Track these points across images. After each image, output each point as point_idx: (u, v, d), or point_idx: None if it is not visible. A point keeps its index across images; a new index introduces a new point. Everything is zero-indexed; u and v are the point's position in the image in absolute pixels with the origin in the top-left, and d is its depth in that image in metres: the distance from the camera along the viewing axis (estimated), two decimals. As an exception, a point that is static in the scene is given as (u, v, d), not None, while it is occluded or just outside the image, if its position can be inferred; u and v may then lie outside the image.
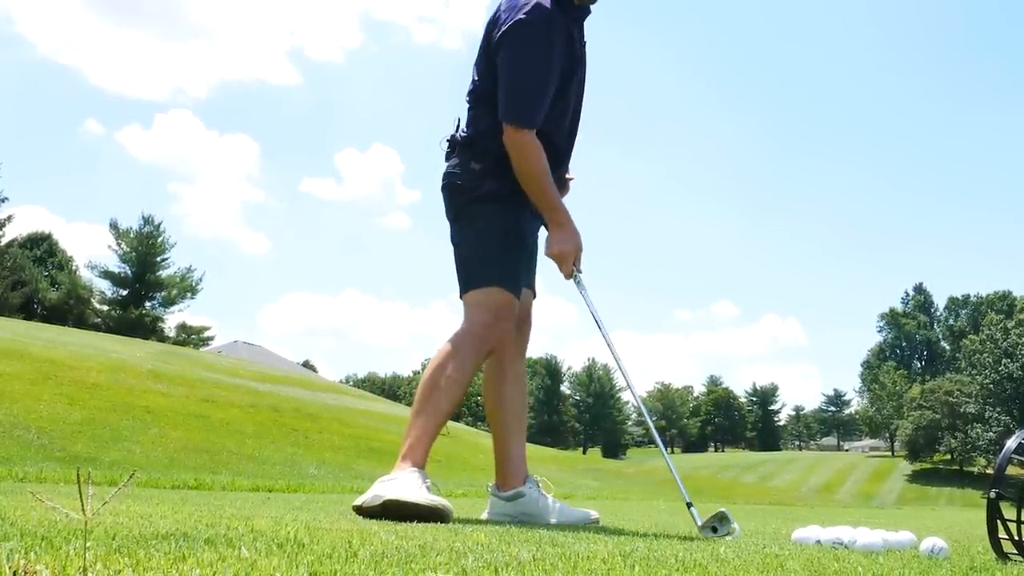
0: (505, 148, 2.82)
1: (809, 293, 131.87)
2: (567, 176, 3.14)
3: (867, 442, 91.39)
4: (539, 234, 3.16)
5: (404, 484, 2.53)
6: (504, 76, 2.76)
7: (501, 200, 2.86)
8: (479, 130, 2.90)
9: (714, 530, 2.57)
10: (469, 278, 2.86)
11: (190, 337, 52.73)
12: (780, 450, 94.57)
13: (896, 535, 2.37)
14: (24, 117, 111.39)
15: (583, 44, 2.96)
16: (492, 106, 2.86)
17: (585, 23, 2.97)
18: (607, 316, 2.93)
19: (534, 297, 3.15)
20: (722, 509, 2.60)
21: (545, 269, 3.20)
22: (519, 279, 2.89)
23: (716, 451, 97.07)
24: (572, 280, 2.89)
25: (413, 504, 2.40)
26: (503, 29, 2.75)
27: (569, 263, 2.85)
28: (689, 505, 2.71)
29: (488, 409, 3.08)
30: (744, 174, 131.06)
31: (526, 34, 2.73)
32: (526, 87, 2.77)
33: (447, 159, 2.98)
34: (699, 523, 2.60)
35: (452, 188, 2.93)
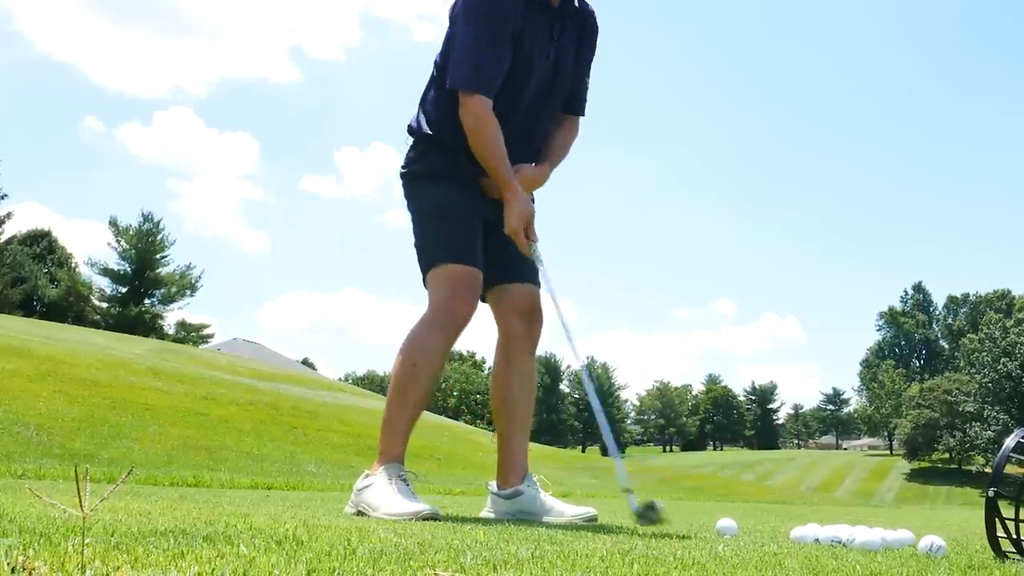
0: (432, 129, 2.86)
1: (808, 292, 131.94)
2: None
3: (866, 441, 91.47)
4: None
5: (380, 497, 2.58)
6: (457, 45, 2.76)
7: (430, 178, 2.88)
8: (415, 116, 2.95)
9: (642, 516, 2.58)
10: (421, 262, 2.86)
11: (189, 334, 52.74)
12: (779, 449, 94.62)
13: (894, 533, 2.37)
14: (23, 114, 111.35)
15: (552, 42, 2.85)
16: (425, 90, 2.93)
17: (569, 24, 2.90)
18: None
19: (538, 288, 3.05)
20: (654, 501, 2.60)
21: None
22: (470, 252, 2.83)
23: (715, 450, 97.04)
24: (532, 254, 2.82)
25: (393, 520, 2.42)
26: (455, 5, 2.81)
27: (520, 237, 2.77)
28: (627, 491, 2.66)
29: (494, 406, 3.07)
30: (743, 172, 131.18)
31: (475, 4, 2.74)
32: (474, 51, 2.72)
33: None
34: (634, 508, 2.57)
35: (401, 178, 2.98)
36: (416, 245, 2.91)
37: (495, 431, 3.09)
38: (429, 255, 2.84)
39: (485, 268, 2.99)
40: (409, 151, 2.96)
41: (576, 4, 2.93)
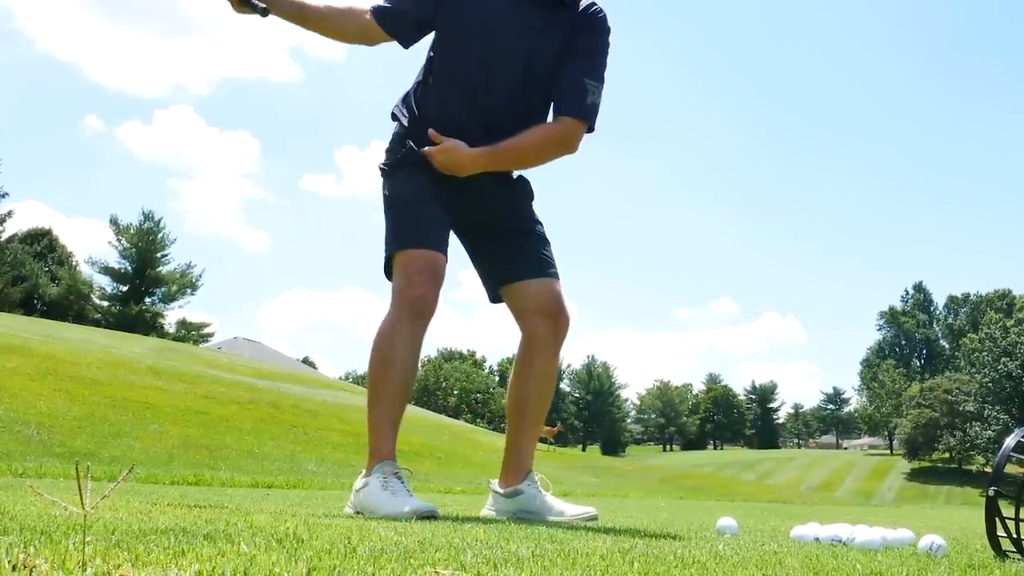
0: (395, 116, 2.87)
1: (808, 291, 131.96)
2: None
3: (866, 440, 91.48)
4: (532, 223, 2.94)
5: (376, 497, 2.57)
6: None
7: (389, 170, 2.85)
8: None
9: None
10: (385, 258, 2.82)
11: (190, 333, 52.78)
12: (779, 448, 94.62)
13: (895, 532, 2.37)
14: (24, 113, 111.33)
15: (517, 20, 2.71)
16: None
17: (553, 14, 2.73)
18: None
19: (558, 282, 2.89)
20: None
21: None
22: (419, 234, 2.75)
23: (715, 449, 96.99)
24: None
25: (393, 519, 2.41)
26: None
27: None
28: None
29: (507, 405, 3.02)
30: (743, 172, 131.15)
31: None
32: None
33: None
34: None
35: None
36: None
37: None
38: (386, 248, 2.80)
39: (494, 267, 2.94)
40: None
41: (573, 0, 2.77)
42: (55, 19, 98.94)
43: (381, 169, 2.89)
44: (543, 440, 26.64)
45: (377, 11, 2.78)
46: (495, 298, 2.96)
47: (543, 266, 2.89)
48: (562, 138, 2.79)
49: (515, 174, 2.94)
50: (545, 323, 2.86)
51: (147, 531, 1.51)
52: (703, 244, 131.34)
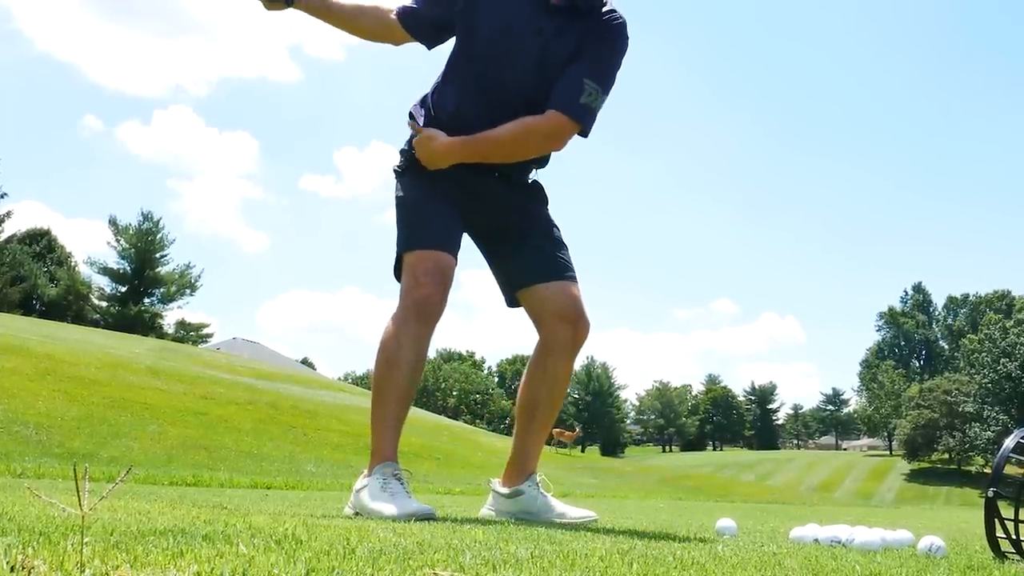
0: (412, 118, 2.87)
1: (808, 291, 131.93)
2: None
3: (865, 441, 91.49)
4: (548, 226, 2.91)
5: (374, 498, 2.56)
6: None
7: (400, 172, 2.86)
8: None
9: None
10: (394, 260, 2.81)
11: (189, 334, 52.76)
12: (778, 449, 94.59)
13: (894, 534, 2.37)
14: (23, 113, 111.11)
15: (533, 27, 2.68)
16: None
17: (571, 24, 2.67)
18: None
19: (576, 284, 2.87)
20: None
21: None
22: (426, 235, 2.74)
23: (714, 450, 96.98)
24: None
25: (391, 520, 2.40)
26: None
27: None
28: None
29: (518, 405, 3.01)
30: (743, 172, 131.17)
31: None
32: None
33: None
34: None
35: None
36: None
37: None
38: (397, 250, 2.79)
39: (510, 271, 2.91)
40: None
41: (591, 9, 2.69)
42: (54, 19, 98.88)
43: (394, 171, 2.89)
44: (559, 444, 26.69)
45: (401, 12, 2.80)
46: (512, 302, 2.93)
47: (560, 269, 2.85)
48: (544, 131, 2.68)
49: (530, 179, 2.92)
50: (564, 328, 2.83)
51: (146, 532, 1.51)
52: (703, 244, 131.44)
